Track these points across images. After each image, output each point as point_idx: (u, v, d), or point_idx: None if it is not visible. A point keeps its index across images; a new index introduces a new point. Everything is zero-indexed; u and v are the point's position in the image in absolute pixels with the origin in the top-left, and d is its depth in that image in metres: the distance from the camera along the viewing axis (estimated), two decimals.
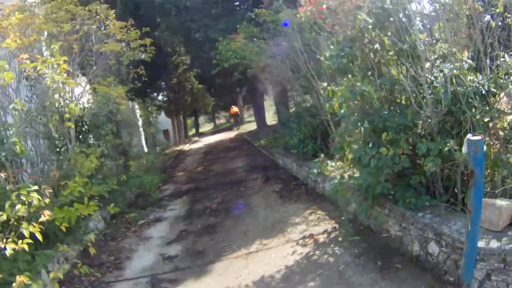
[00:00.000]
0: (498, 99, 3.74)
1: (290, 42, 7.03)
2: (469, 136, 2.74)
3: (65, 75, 4.39)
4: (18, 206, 3.60)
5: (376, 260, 4.01)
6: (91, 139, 7.17)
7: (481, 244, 2.91)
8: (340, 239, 4.77)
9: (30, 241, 3.60)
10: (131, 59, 7.43)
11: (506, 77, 3.64)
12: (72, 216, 4.54)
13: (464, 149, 2.86)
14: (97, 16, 6.91)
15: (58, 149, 5.91)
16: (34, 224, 3.66)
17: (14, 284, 3.33)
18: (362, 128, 4.39)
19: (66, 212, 4.48)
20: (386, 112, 4.09)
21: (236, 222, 6.33)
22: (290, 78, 7.82)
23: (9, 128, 4.65)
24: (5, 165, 4.49)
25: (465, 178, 3.55)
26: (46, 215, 3.77)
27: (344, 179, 4.48)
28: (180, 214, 7.71)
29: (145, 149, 19.21)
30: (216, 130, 40.93)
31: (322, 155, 6.25)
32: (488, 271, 2.89)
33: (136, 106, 19.84)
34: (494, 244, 2.92)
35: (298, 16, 6.07)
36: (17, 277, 3.36)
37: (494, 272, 2.88)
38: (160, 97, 26.41)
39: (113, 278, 4.85)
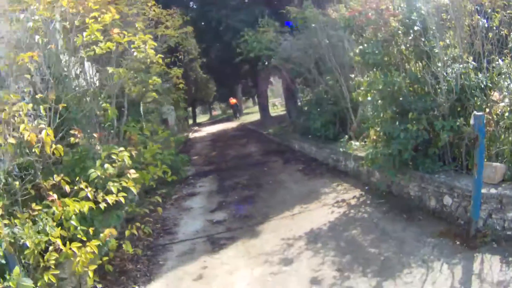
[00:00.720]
0: (492, 92, 4.93)
1: (316, 37, 8.08)
2: (474, 113, 4.02)
3: (152, 51, 5.19)
4: (107, 165, 4.02)
5: (402, 214, 5.14)
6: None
7: (483, 191, 4.05)
8: (368, 201, 5.90)
9: (123, 194, 4.07)
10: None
11: (499, 76, 4.86)
12: (146, 178, 5.42)
13: (472, 121, 4.08)
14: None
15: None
16: (125, 180, 4.10)
17: (101, 235, 3.86)
18: (390, 110, 5.50)
19: (143, 174, 5.33)
20: (411, 98, 5.21)
21: (271, 193, 7.37)
22: (312, 70, 8.87)
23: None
24: (95, 127, 5.34)
25: (470, 143, 4.68)
26: (131, 174, 4.18)
27: (377, 148, 5.55)
28: (212, 189, 8.70)
29: None
30: (214, 121, 41.71)
31: (346, 136, 7.36)
32: (490, 211, 4.04)
33: None
34: (493, 191, 4.08)
35: (330, 15, 7.12)
36: (106, 229, 3.96)
37: (494, 212, 4.03)
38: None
39: (167, 241, 5.65)
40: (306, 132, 10.84)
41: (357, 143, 7.23)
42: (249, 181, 8.66)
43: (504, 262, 3.49)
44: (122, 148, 4.30)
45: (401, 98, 5.33)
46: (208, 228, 6.00)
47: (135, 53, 4.90)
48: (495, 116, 4.96)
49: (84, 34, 4.42)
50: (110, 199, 3.86)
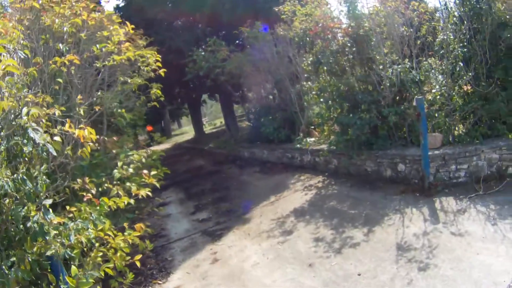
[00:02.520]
0: (424, 84, 6.34)
1: (265, 53, 9.08)
2: (416, 97, 5.28)
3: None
4: (125, 166, 4.39)
5: (364, 186, 6.23)
6: None
7: (430, 153, 5.31)
8: (333, 183, 6.90)
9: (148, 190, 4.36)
10: None
11: (426, 72, 6.26)
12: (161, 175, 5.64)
13: (414, 103, 5.32)
14: None
15: None
16: (146, 177, 4.37)
17: (136, 225, 4.25)
18: (345, 105, 6.61)
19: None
20: (361, 94, 6.38)
21: (241, 191, 7.98)
22: (261, 81, 9.83)
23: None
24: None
25: (415, 119, 5.94)
26: (145, 174, 4.38)
27: (338, 137, 6.59)
28: (181, 197, 8.95)
29: None
30: (143, 145, 40.41)
31: (299, 136, 8.37)
32: (437, 167, 5.27)
33: None
34: (436, 152, 5.37)
35: (278, 34, 8.18)
36: (137, 224, 4.15)
37: (440, 167, 5.27)
38: None
39: (163, 242, 5.88)
40: (253, 140, 11.67)
41: (312, 139, 8.27)
42: (214, 186, 9.10)
43: (457, 199, 4.71)
44: (134, 151, 4.65)
45: (353, 95, 6.48)
46: (198, 226, 6.34)
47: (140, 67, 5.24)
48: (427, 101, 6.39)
49: (98, 46, 4.62)
50: (140, 193, 4.12)
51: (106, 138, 4.76)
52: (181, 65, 12.63)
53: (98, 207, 3.67)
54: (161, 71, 5.46)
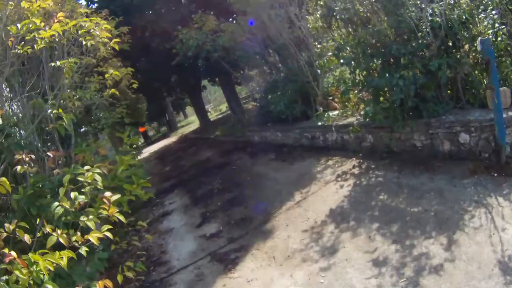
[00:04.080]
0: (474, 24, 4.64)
1: (262, 17, 7.34)
2: (479, 38, 3.64)
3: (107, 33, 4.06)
4: (74, 193, 2.82)
5: (417, 167, 4.61)
6: None
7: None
8: (373, 166, 5.28)
9: (109, 227, 2.78)
10: None
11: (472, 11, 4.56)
12: (124, 201, 3.77)
13: (479, 47, 3.66)
14: None
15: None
16: (104, 207, 2.87)
17: None
18: (376, 63, 4.92)
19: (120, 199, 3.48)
20: (397, 44, 4.68)
21: (257, 189, 6.41)
22: (261, 52, 8.11)
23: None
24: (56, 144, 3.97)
25: (473, 69, 4.32)
26: (107, 199, 2.91)
27: (374, 106, 4.92)
28: (186, 202, 7.51)
29: None
30: (149, 142, 39.30)
31: (319, 108, 6.71)
32: None
33: None
34: (510, 113, 3.71)
35: None
36: (98, 282, 2.64)
37: None
38: None
39: (163, 274, 4.45)
40: (263, 121, 10.09)
41: (334, 112, 6.62)
42: (223, 184, 7.62)
43: None
44: (87, 167, 3.05)
45: (386, 47, 4.77)
46: (205, 245, 4.85)
47: (83, 43, 3.64)
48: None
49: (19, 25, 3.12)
50: (93, 237, 2.64)
51: (50, 153, 3.22)
52: (171, 51, 11.02)
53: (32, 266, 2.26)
54: (112, 43, 3.89)
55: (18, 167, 2.81)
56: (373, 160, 5.50)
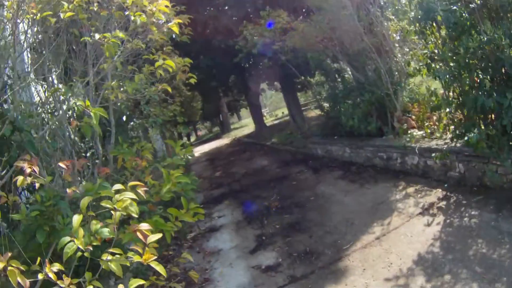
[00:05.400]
0: None
1: (338, 17, 6.87)
2: None
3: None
4: (95, 224, 2.20)
5: None
6: None
7: None
8: (464, 202, 4.58)
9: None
10: None
11: None
12: (167, 230, 3.03)
13: None
14: None
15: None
16: (138, 248, 2.17)
17: None
18: (485, 80, 4.26)
19: (161, 225, 3.00)
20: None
21: (322, 213, 5.86)
22: (338, 54, 7.61)
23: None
24: (69, 154, 3.55)
25: None
26: (143, 233, 2.23)
27: (482, 131, 4.26)
28: (237, 218, 7.16)
29: None
30: (201, 141, 40.20)
31: (404, 125, 6.10)
32: None
33: None
34: None
35: None
36: None
37: None
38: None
39: None
40: (328, 133, 9.57)
41: (419, 133, 5.97)
42: (282, 202, 7.18)
43: None
44: (119, 186, 2.37)
45: (499, 61, 4.10)
46: (259, 280, 4.37)
47: (131, 18, 3.13)
48: None
49: None
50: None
51: (62, 164, 2.53)
52: (233, 49, 10.90)
53: None
54: (173, 25, 3.54)
55: (19, 179, 2.24)
56: (462, 194, 4.79)
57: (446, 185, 5.28)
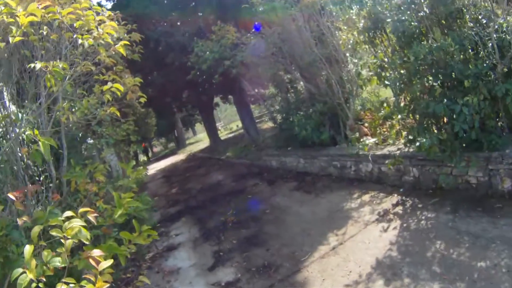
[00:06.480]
0: None
1: (289, 31, 6.94)
2: None
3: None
4: (46, 253, 2.12)
5: (474, 209, 4.07)
6: None
7: None
8: (420, 205, 4.70)
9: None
10: None
11: None
12: (121, 253, 2.98)
13: None
14: None
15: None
16: (90, 277, 2.12)
17: None
18: (435, 86, 4.41)
19: (115, 248, 2.95)
20: (459, 63, 4.18)
21: (280, 226, 5.79)
22: (286, 69, 7.68)
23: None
24: (20, 177, 3.37)
25: None
26: (96, 260, 2.23)
27: (433, 137, 4.36)
28: (194, 235, 6.91)
29: None
30: (156, 157, 39.02)
31: (348, 133, 6.19)
32: None
33: None
34: None
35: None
36: None
37: None
38: None
39: None
40: (282, 145, 9.59)
41: (371, 140, 6.08)
42: (238, 216, 7.00)
43: None
44: (69, 213, 2.36)
45: (448, 67, 4.27)
46: None
47: (79, 42, 3.06)
48: None
49: None
50: None
51: (11, 195, 2.41)
52: (185, 65, 10.72)
53: None
54: (120, 46, 3.38)
55: None
56: (418, 197, 4.93)
57: (401, 190, 5.40)
